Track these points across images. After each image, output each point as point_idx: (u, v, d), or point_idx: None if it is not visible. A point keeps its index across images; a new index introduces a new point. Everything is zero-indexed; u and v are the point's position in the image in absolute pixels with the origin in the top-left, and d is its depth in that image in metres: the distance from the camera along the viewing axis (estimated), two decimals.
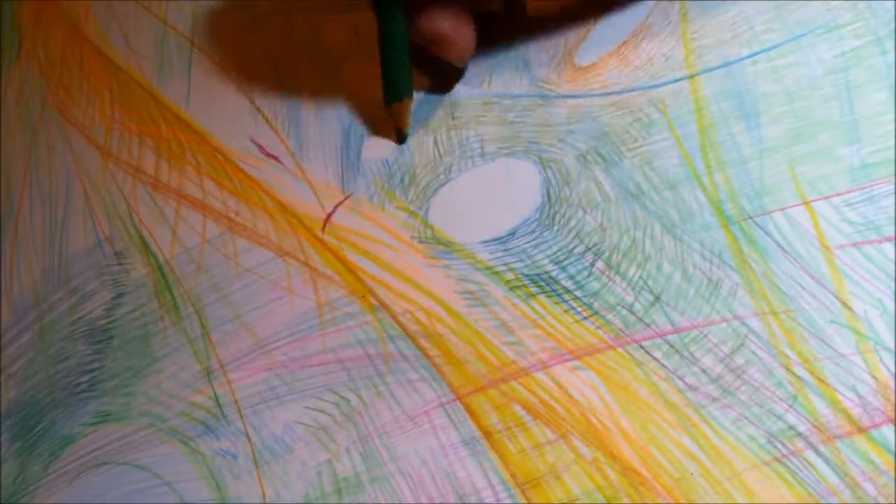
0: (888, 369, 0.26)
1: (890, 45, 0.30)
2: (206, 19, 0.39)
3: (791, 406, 0.27)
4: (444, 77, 0.34)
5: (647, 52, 0.32)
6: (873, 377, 0.26)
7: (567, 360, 0.29)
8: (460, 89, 0.34)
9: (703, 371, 0.28)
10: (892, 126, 0.29)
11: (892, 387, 0.26)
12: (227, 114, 0.37)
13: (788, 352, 0.27)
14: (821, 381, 0.27)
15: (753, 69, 0.31)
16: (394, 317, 0.31)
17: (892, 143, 0.28)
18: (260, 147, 0.36)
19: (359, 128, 0.35)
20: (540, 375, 0.29)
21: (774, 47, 0.31)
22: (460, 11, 0.31)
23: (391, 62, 0.32)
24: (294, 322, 0.32)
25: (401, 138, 0.34)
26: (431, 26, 0.31)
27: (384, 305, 0.32)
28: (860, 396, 0.26)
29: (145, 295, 0.35)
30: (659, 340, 0.28)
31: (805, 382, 0.27)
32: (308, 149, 0.35)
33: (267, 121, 0.36)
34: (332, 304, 0.32)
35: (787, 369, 0.27)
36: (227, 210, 0.35)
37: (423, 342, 0.31)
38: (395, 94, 0.33)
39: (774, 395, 0.27)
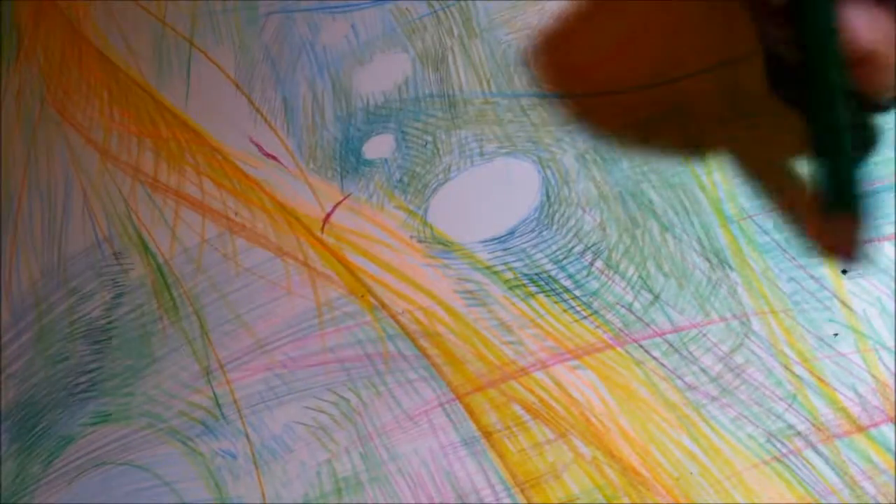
0: (887, 368, 0.26)
1: None
2: (206, 19, 0.39)
3: (790, 405, 0.27)
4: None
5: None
6: (872, 376, 0.26)
7: (566, 360, 0.29)
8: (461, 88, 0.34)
9: (703, 370, 0.28)
10: (892, 126, 0.29)
11: (892, 386, 0.26)
12: (227, 114, 0.37)
13: (788, 351, 0.27)
14: (820, 380, 0.27)
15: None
16: (393, 316, 0.31)
17: (893, 143, 0.28)
18: (259, 147, 0.36)
19: (358, 127, 0.35)
20: (539, 375, 0.29)
21: None
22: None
23: (838, 139, 0.21)
24: (293, 322, 0.32)
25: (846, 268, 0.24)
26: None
27: (383, 305, 0.32)
28: (859, 395, 0.26)
29: (144, 295, 0.35)
30: (658, 339, 0.28)
31: (804, 381, 0.27)
32: (307, 148, 0.35)
33: (266, 120, 0.36)
34: (332, 304, 0.32)
35: (787, 368, 0.27)
36: (226, 210, 0.35)
37: (423, 342, 0.31)
38: (845, 198, 0.22)
39: (774, 395, 0.27)
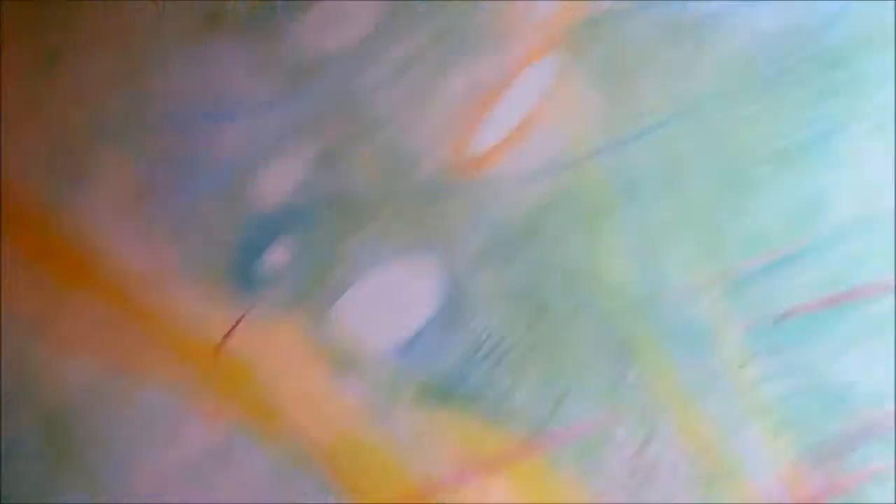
0: (795, 451, 0.26)
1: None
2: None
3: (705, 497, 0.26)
4: None
5: (544, 137, 0.32)
6: (780, 460, 0.26)
7: (478, 469, 0.28)
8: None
9: (614, 470, 0.27)
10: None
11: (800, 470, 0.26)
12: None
13: (697, 441, 0.27)
14: (732, 467, 0.26)
15: (643, 147, 0.31)
16: (297, 439, 0.30)
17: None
18: (151, 265, 0.34)
19: (254, 234, 0.34)
20: (451, 488, 0.28)
21: (664, 123, 0.31)
22: None
23: None
24: (191, 460, 0.30)
25: None
26: None
27: (287, 427, 0.30)
28: (769, 480, 0.26)
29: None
30: (568, 441, 0.28)
31: (716, 471, 0.26)
32: (200, 262, 0.33)
33: (157, 234, 0.35)
34: (232, 433, 0.30)
35: (698, 458, 0.27)
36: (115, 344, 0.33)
37: (327, 463, 0.29)
38: None
39: (687, 487, 0.27)
